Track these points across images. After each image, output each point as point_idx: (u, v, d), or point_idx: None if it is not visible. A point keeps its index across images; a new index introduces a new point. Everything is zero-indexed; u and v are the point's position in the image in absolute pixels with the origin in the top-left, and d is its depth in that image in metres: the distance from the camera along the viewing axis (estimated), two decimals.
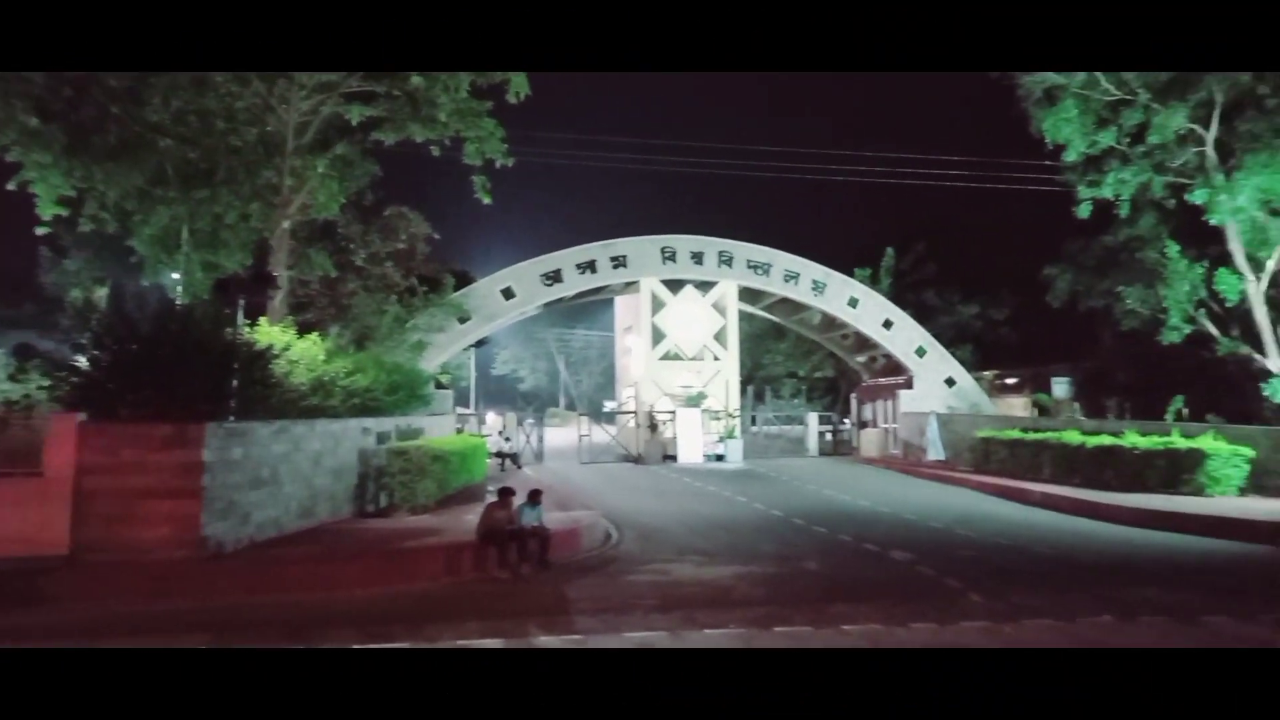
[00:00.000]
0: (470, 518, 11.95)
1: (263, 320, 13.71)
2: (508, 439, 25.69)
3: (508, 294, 26.17)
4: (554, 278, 26.74)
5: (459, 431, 23.61)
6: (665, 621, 8.01)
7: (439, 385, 24.17)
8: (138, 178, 15.42)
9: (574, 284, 27.12)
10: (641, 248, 27.87)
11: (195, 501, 9.32)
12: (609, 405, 41.81)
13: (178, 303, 16.16)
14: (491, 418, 30.98)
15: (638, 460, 27.19)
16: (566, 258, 26.92)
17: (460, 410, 31.18)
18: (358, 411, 14.22)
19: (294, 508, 11.55)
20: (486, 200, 17.18)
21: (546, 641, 7.38)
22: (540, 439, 28.41)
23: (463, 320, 24.96)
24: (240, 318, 11.76)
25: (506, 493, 11.10)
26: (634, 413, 28.99)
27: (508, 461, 24.34)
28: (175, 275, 17.97)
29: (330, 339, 16.07)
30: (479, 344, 31.09)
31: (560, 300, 28.65)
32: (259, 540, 10.50)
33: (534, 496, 11.09)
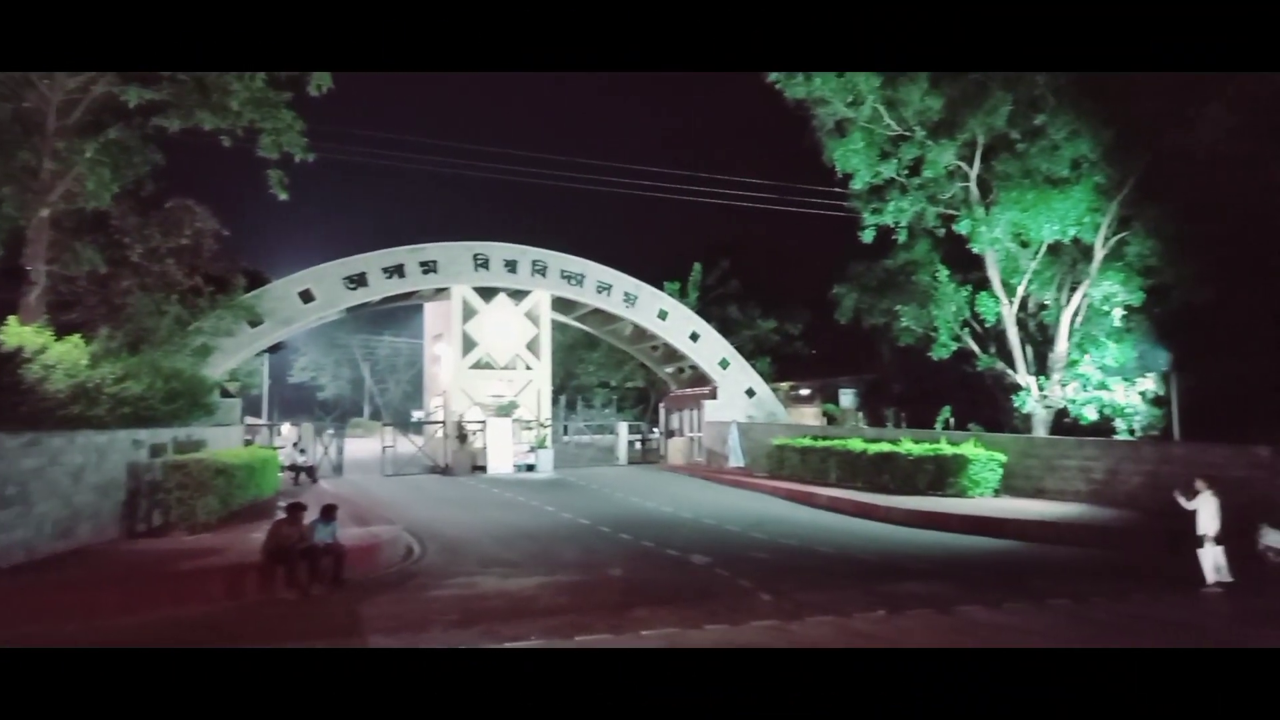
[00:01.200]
0: (257, 536, 11.21)
1: (12, 320, 12.23)
2: (303, 451, 24.28)
3: (306, 297, 24.81)
4: (358, 281, 25.66)
5: (248, 443, 22.11)
6: (466, 636, 7.88)
7: (225, 394, 22.51)
8: None
9: (380, 288, 26.17)
10: (453, 253, 27.33)
11: None
12: (417, 415, 40.49)
13: None
14: (287, 429, 29.16)
15: (445, 471, 26.57)
16: (372, 261, 25.92)
17: (250, 420, 29.15)
18: (129, 422, 13.00)
19: (49, 529, 10.39)
20: (283, 196, 16.22)
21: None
22: (340, 450, 27.10)
23: (254, 324, 23.37)
24: None
25: (297, 508, 10.51)
26: (442, 422, 28.33)
27: (302, 475, 23.03)
28: None
29: (98, 342, 14.55)
30: (274, 349, 29.23)
31: (365, 305, 27.54)
32: (3, 566, 9.34)
33: (327, 512, 10.58)
